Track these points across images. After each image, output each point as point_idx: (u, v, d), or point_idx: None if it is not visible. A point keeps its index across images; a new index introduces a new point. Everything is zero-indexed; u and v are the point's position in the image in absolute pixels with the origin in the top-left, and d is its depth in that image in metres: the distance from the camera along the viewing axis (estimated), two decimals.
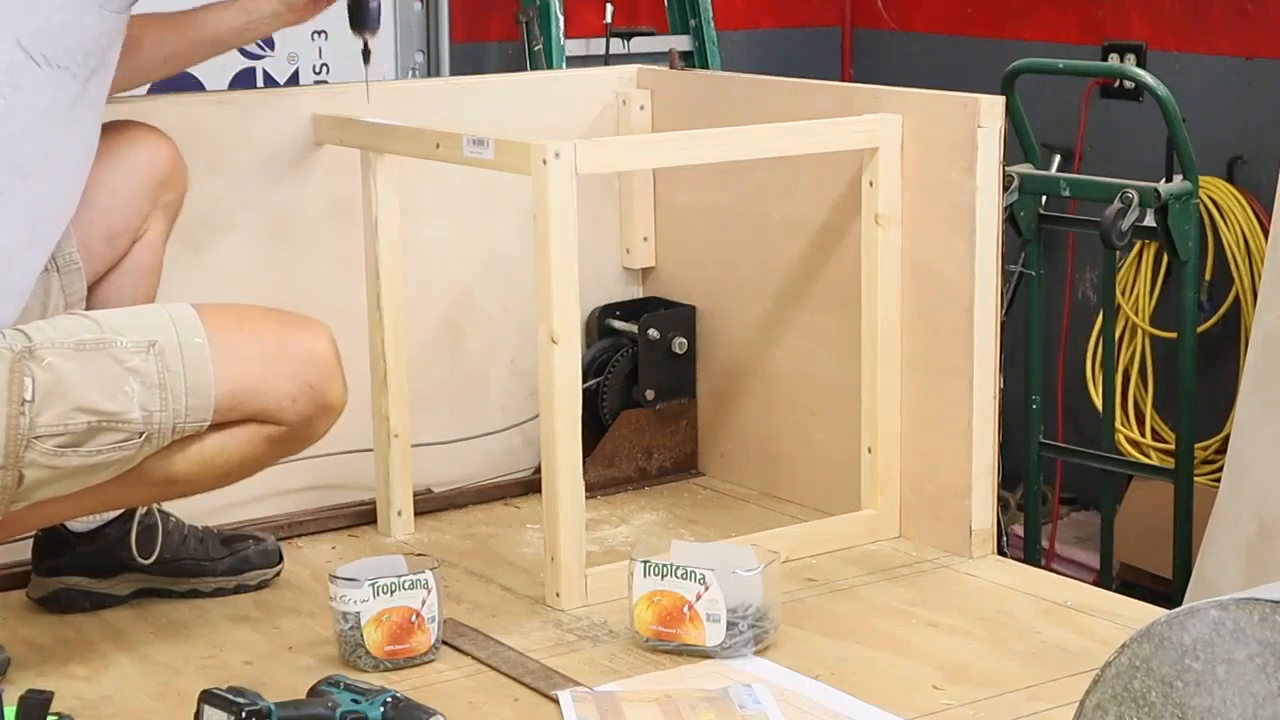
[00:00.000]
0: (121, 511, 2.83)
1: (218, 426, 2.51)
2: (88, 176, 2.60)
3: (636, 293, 3.61)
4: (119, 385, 2.44)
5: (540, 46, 4.57)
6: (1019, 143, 4.10)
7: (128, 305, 2.72)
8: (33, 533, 2.81)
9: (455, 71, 4.56)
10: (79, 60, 2.48)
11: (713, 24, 4.81)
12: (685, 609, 2.63)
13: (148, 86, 3.39)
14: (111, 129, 2.78)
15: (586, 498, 2.92)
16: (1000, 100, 2.98)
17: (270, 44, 4.31)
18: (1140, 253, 4.59)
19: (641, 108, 3.48)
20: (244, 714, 2.23)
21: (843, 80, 5.40)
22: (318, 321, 2.63)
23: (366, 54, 2.96)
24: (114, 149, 2.76)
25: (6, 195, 2.44)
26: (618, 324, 3.53)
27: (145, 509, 2.85)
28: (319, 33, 4.31)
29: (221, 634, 2.77)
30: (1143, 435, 4.59)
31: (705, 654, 2.64)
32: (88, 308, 2.69)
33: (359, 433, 3.22)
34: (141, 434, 2.45)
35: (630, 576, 2.68)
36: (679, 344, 3.49)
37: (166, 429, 2.47)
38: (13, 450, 2.39)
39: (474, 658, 2.66)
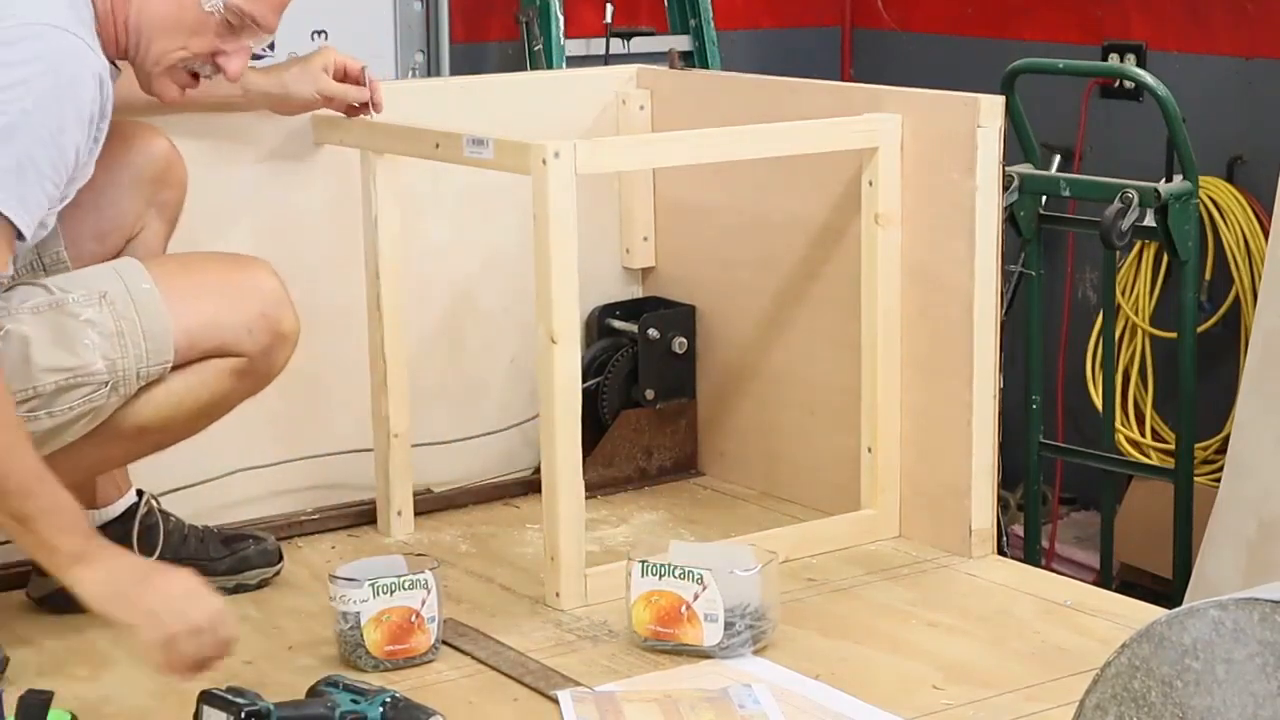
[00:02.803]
0: (123, 511, 2.84)
1: (180, 369, 2.55)
2: None
3: (636, 292, 3.61)
4: (78, 339, 2.48)
5: (540, 46, 4.57)
6: (1019, 143, 4.10)
7: None
8: None
9: (455, 71, 4.56)
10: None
11: (713, 24, 4.81)
12: (683, 609, 2.63)
13: None
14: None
15: (586, 498, 2.92)
16: (1000, 100, 2.98)
17: (270, 44, 4.31)
18: (1140, 253, 4.59)
19: (641, 108, 3.48)
20: (243, 714, 2.23)
21: (843, 80, 5.40)
22: (259, 258, 2.70)
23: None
24: (106, 147, 2.74)
25: None
26: (618, 324, 3.52)
27: (146, 509, 2.85)
28: (319, 33, 4.31)
29: None
30: (1143, 435, 4.59)
31: (703, 654, 2.64)
32: None
33: (359, 433, 3.22)
34: (107, 383, 2.49)
35: (628, 576, 2.68)
36: (679, 344, 3.49)
37: (130, 375, 2.51)
38: None
39: (474, 658, 2.66)
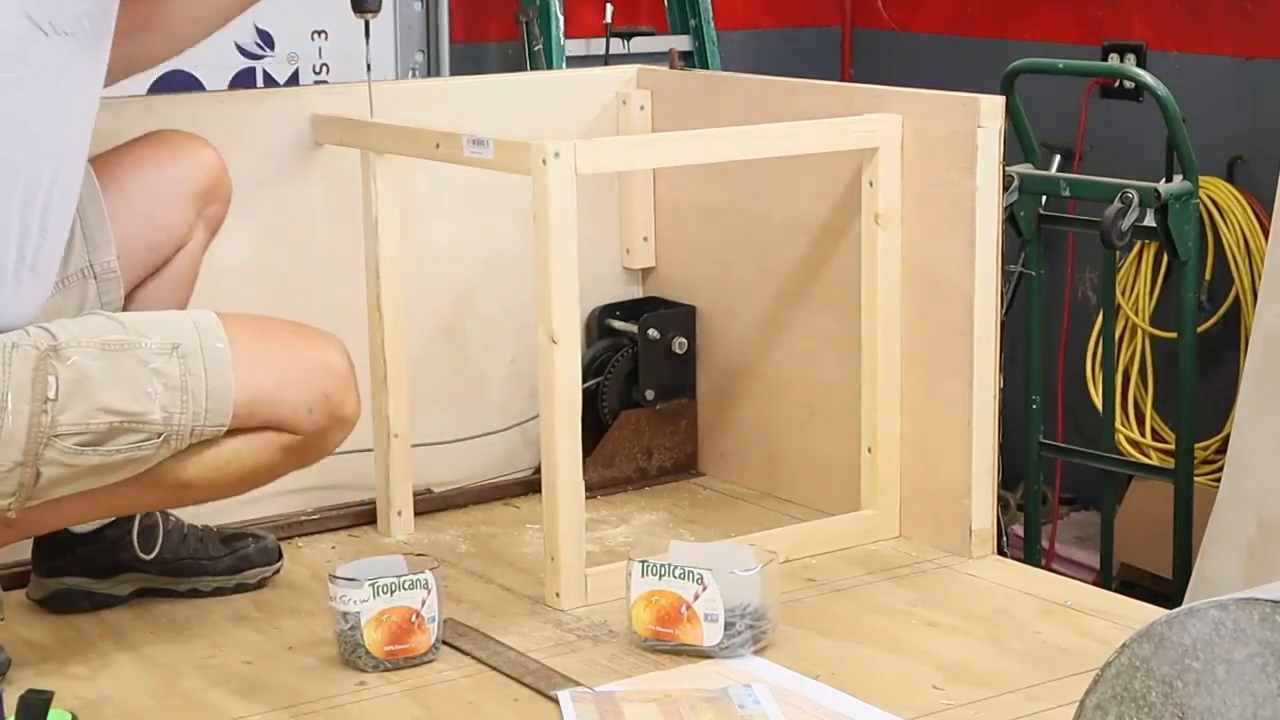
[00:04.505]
0: None
1: (234, 432, 2.52)
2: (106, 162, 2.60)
3: (636, 293, 3.61)
4: (142, 386, 2.45)
5: (540, 46, 4.58)
6: (1019, 143, 4.10)
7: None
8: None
9: (455, 71, 4.57)
10: (85, 26, 2.46)
11: (713, 24, 4.82)
12: (683, 609, 2.63)
13: (147, 85, 3.40)
14: (157, 137, 2.80)
15: (586, 498, 2.92)
16: (1000, 100, 2.98)
17: (270, 44, 4.31)
18: (1140, 253, 4.59)
19: (641, 108, 3.48)
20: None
21: (843, 80, 5.40)
22: (333, 335, 2.65)
23: (367, 32, 3.00)
24: (159, 157, 2.77)
25: (20, 170, 2.43)
26: (618, 324, 3.52)
27: None
28: (319, 33, 4.31)
29: (221, 634, 2.77)
30: (1143, 435, 4.59)
31: (703, 654, 2.64)
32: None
33: (359, 433, 3.20)
34: (161, 435, 2.46)
35: (628, 576, 2.68)
36: (679, 344, 3.49)
37: (185, 431, 2.47)
38: (32, 447, 2.40)
39: (474, 658, 2.66)
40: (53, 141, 2.46)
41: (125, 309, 2.70)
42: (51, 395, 2.39)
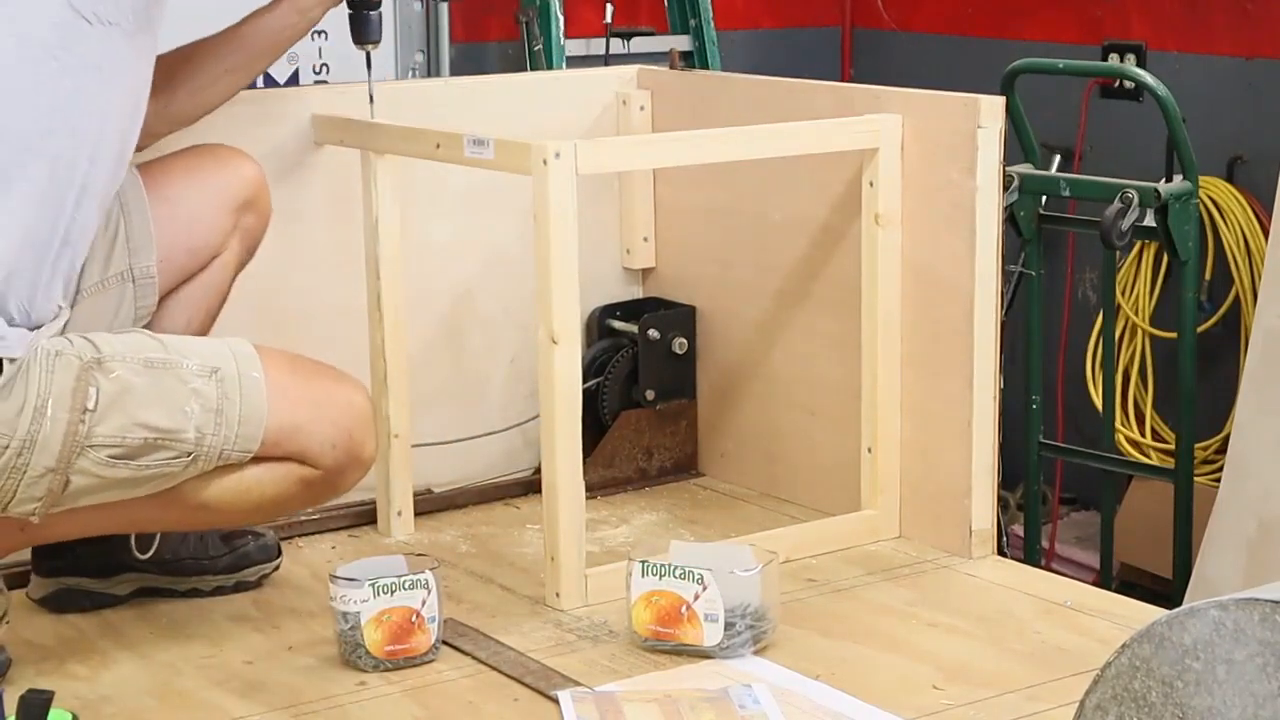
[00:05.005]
0: None
1: (257, 460, 2.56)
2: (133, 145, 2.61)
3: (636, 293, 3.61)
4: (180, 405, 2.49)
5: (540, 46, 4.58)
6: (1019, 143, 4.10)
7: (188, 319, 2.81)
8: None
9: (455, 71, 4.56)
10: (128, 16, 2.48)
11: (713, 24, 4.81)
12: (683, 609, 2.63)
13: None
14: (202, 149, 2.85)
15: (586, 498, 2.92)
16: (1000, 100, 2.98)
17: None
18: (1140, 253, 4.59)
19: (641, 108, 3.48)
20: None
21: (843, 80, 5.40)
22: (357, 379, 2.73)
23: (369, 64, 3.06)
24: (203, 167, 2.81)
25: (61, 159, 2.45)
26: (618, 324, 3.52)
27: None
28: (319, 33, 4.30)
29: (221, 633, 2.77)
30: (1143, 435, 4.59)
31: (703, 654, 2.64)
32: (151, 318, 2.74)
33: None
34: (190, 454, 2.51)
35: (628, 577, 2.68)
36: (679, 344, 3.49)
37: (214, 453, 2.52)
38: (65, 455, 2.43)
39: (474, 658, 2.66)
40: (91, 130, 2.48)
41: (156, 314, 2.76)
42: (91, 406, 2.44)
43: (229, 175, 2.85)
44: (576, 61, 4.66)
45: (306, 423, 2.59)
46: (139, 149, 2.65)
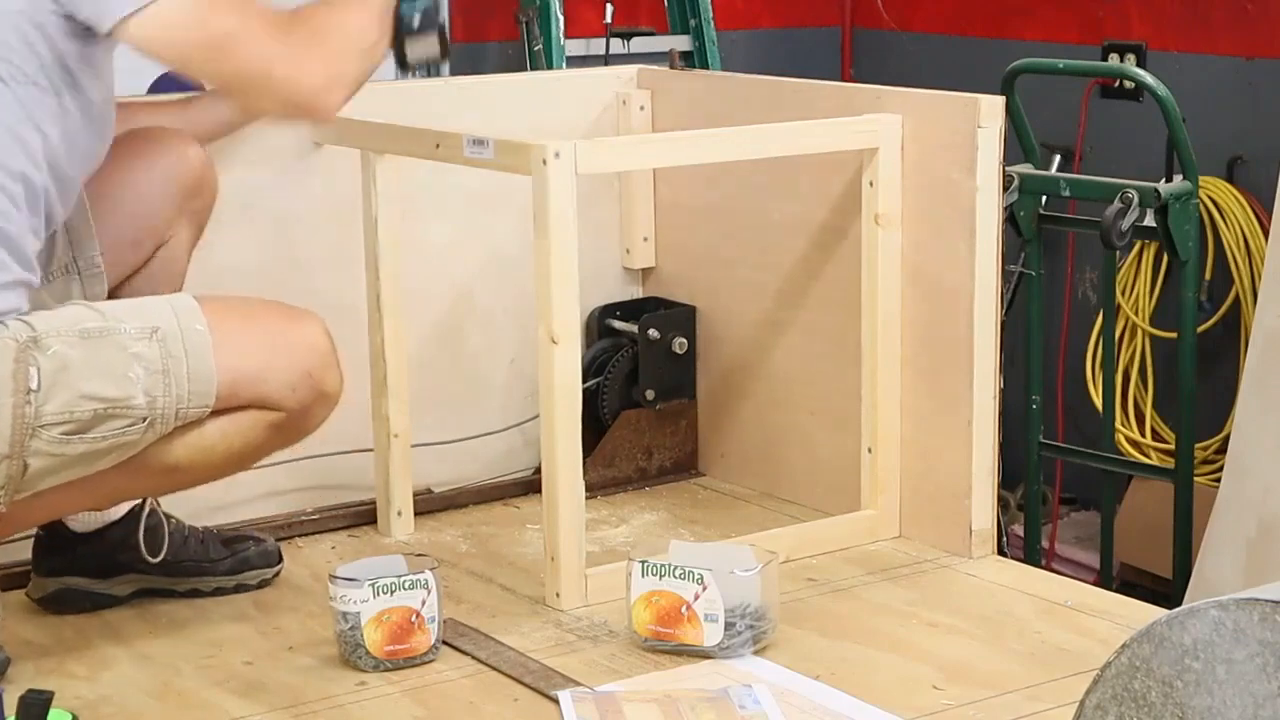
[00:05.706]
0: (125, 513, 2.83)
1: (219, 413, 2.53)
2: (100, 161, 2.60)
3: (636, 293, 3.61)
4: (123, 371, 2.45)
5: (540, 46, 4.57)
6: (1019, 143, 4.10)
7: None
8: (34, 532, 2.81)
9: (455, 71, 4.56)
10: (53, 76, 2.44)
11: (713, 24, 4.81)
12: (683, 609, 2.63)
13: (147, 86, 3.39)
14: (141, 134, 2.80)
15: (586, 498, 2.92)
16: (1000, 100, 2.98)
17: None
18: (1140, 253, 4.59)
19: (641, 108, 3.48)
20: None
21: (843, 80, 5.40)
22: (313, 313, 2.66)
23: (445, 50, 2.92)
24: (142, 154, 2.77)
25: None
26: (618, 324, 3.52)
27: (149, 510, 2.85)
28: None
29: (221, 634, 2.77)
30: (1143, 435, 4.59)
31: (703, 654, 2.64)
32: None
33: (359, 433, 3.22)
34: (145, 419, 2.47)
35: (628, 576, 2.68)
36: (679, 344, 3.49)
37: (169, 414, 2.48)
38: (18, 440, 2.40)
39: (474, 658, 2.66)
40: (19, 175, 2.44)
41: None
42: (34, 386, 2.39)
43: (171, 161, 2.80)
44: (576, 61, 4.66)
45: (261, 369, 2.54)
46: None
